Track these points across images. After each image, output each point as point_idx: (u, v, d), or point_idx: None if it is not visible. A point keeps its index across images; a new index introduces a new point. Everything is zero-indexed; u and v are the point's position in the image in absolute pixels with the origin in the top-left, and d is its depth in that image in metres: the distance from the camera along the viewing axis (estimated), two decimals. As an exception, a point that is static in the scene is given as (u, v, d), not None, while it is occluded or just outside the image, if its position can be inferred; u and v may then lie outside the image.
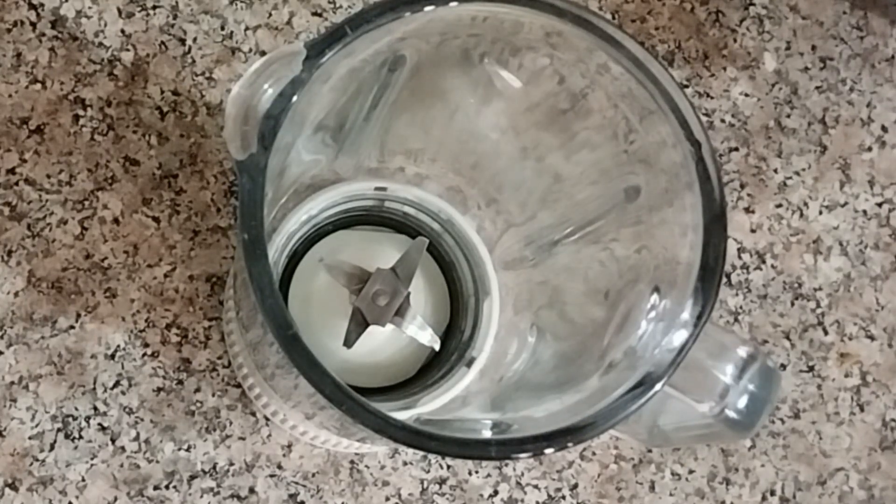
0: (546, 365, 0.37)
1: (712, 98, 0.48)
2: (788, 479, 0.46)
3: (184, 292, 0.43)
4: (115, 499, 0.42)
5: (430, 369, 0.42)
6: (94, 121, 0.44)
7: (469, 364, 0.40)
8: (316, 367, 0.29)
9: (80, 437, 0.42)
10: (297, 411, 0.39)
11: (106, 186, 0.43)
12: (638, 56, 0.32)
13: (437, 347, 0.40)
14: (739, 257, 0.47)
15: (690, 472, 0.45)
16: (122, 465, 0.42)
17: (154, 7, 0.45)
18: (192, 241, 0.43)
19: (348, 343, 0.38)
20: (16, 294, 0.42)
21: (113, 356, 0.43)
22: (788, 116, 0.48)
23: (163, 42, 0.45)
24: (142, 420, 0.42)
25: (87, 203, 0.43)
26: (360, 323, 0.38)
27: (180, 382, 0.43)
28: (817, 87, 0.49)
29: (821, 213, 0.48)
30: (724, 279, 0.46)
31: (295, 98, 0.30)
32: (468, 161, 0.39)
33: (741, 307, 0.47)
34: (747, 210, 0.47)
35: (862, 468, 0.46)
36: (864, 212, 0.48)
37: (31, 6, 0.44)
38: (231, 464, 0.43)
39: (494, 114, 0.37)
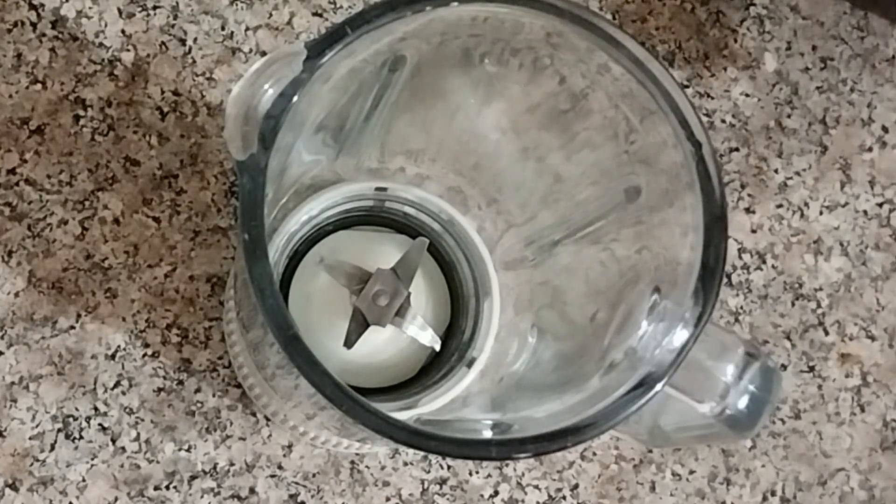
0: (547, 365, 0.37)
1: (713, 98, 0.48)
2: (789, 480, 0.46)
3: (184, 292, 0.43)
4: (116, 499, 0.42)
5: (431, 370, 0.41)
6: (95, 121, 0.44)
7: (469, 364, 0.40)
8: (316, 367, 0.29)
9: (81, 437, 0.42)
10: (298, 411, 0.39)
11: (106, 187, 0.43)
12: (638, 56, 0.32)
13: (437, 348, 0.40)
14: (740, 257, 0.47)
15: (691, 472, 0.45)
16: (122, 466, 0.42)
17: (154, 7, 0.45)
18: (193, 241, 0.43)
19: (349, 343, 0.38)
20: (16, 294, 0.42)
21: (113, 356, 0.43)
22: (789, 117, 0.48)
23: (163, 42, 0.45)
24: (142, 420, 0.42)
25: (87, 203, 0.43)
26: (360, 323, 0.38)
27: (181, 383, 0.43)
28: (818, 88, 0.49)
29: (821, 213, 0.48)
30: (725, 279, 0.46)
31: (295, 98, 0.30)
32: (469, 161, 0.39)
33: (742, 307, 0.47)
34: (748, 210, 0.47)
35: (862, 468, 0.46)
36: (865, 212, 0.48)
37: (32, 6, 0.44)
38: (231, 464, 0.43)
39: (495, 114, 0.37)
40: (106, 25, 0.44)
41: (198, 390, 0.43)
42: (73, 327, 0.42)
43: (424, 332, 0.39)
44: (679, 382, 0.31)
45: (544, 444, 0.30)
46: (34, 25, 0.44)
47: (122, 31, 0.44)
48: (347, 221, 0.42)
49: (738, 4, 0.49)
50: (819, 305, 0.47)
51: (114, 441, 0.42)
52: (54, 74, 0.44)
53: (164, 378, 0.43)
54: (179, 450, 0.42)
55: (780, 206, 0.48)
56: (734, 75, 0.48)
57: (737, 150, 0.48)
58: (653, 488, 0.45)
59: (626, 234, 0.35)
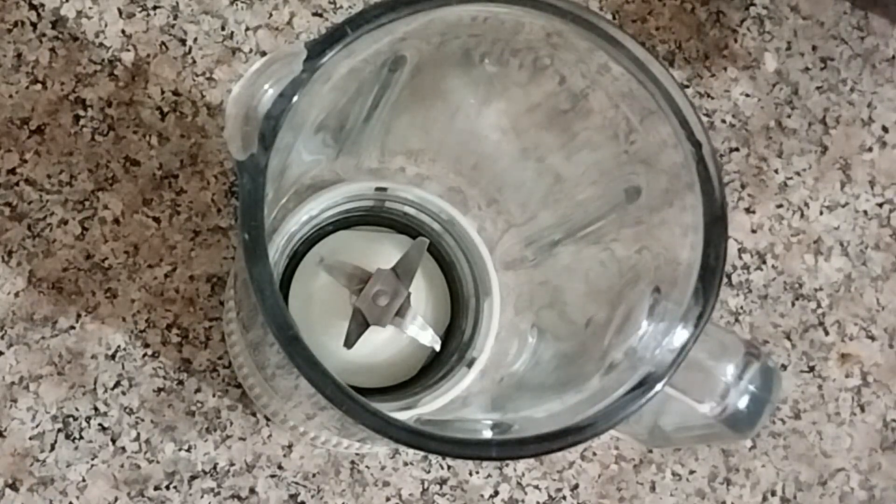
0: (547, 365, 0.37)
1: (713, 98, 0.48)
2: (789, 480, 0.46)
3: (184, 292, 0.43)
4: (116, 499, 0.42)
5: (431, 370, 0.41)
6: (95, 121, 0.44)
7: (469, 364, 0.40)
8: (316, 367, 0.29)
9: (81, 437, 0.42)
10: (298, 411, 0.39)
11: (106, 187, 0.43)
12: (639, 56, 0.32)
13: (437, 348, 0.40)
14: (740, 257, 0.47)
15: (691, 472, 0.45)
16: (122, 466, 0.42)
17: (155, 7, 0.45)
18: (193, 241, 0.43)
19: (349, 343, 0.38)
20: (16, 294, 0.42)
21: (113, 356, 0.43)
22: (789, 117, 0.48)
23: (163, 42, 0.45)
24: (142, 420, 0.42)
25: (87, 203, 0.43)
26: (360, 323, 0.38)
27: (181, 383, 0.43)
28: (818, 88, 0.49)
29: (821, 213, 0.48)
30: (725, 279, 0.46)
31: (295, 98, 0.30)
32: (469, 161, 0.39)
33: (742, 307, 0.47)
34: (748, 210, 0.47)
35: (863, 468, 0.46)
36: (865, 212, 0.48)
37: (32, 6, 0.44)
38: (231, 464, 0.43)
39: (495, 114, 0.37)
40: (106, 25, 0.44)
41: (198, 390, 0.43)
42: (73, 327, 0.42)
43: (424, 332, 0.39)
44: (679, 382, 0.31)
45: (544, 444, 0.30)
46: (34, 25, 0.44)
47: (122, 31, 0.44)
48: (347, 221, 0.42)
49: (738, 4, 0.49)
50: (819, 305, 0.47)
51: (114, 441, 0.42)
52: (54, 74, 0.44)
53: (164, 378, 0.43)
54: (179, 450, 0.42)
55: (780, 206, 0.48)
56: (734, 75, 0.48)
57: (737, 150, 0.48)
58: (653, 488, 0.45)
59: (626, 234, 0.35)
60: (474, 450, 0.31)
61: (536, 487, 0.44)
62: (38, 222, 0.43)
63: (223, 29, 0.45)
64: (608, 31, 0.32)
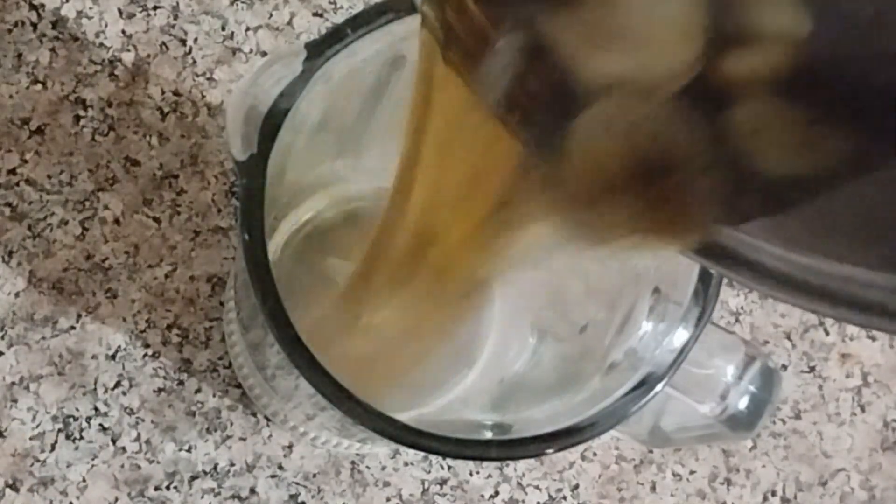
0: (547, 365, 0.37)
1: (713, 98, 0.48)
2: (789, 480, 0.46)
3: (184, 293, 0.43)
4: (116, 499, 0.42)
5: (431, 370, 0.41)
6: (95, 121, 0.44)
7: (470, 364, 0.40)
8: (316, 367, 0.29)
9: (81, 437, 0.42)
10: (298, 412, 0.39)
11: (107, 187, 0.43)
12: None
13: (437, 348, 0.40)
14: (740, 258, 0.47)
15: (691, 472, 0.45)
16: (122, 466, 0.42)
17: (155, 8, 0.45)
18: (193, 241, 0.43)
19: (349, 343, 0.38)
20: (16, 294, 0.42)
21: (114, 357, 0.42)
22: (789, 117, 0.48)
23: (163, 43, 0.45)
24: (143, 420, 0.42)
25: (87, 203, 0.43)
26: (360, 323, 0.38)
27: (181, 383, 0.43)
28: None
29: (822, 213, 0.48)
30: (725, 279, 0.46)
31: (295, 99, 0.30)
32: (469, 161, 0.39)
33: (742, 307, 0.47)
34: (748, 210, 0.47)
35: (863, 469, 0.46)
36: (865, 212, 0.48)
37: (32, 7, 0.44)
38: (232, 464, 0.43)
39: (495, 114, 0.37)
40: (106, 26, 0.44)
41: (198, 390, 0.43)
42: (73, 327, 0.42)
43: (425, 332, 0.39)
44: (679, 383, 0.31)
45: (544, 444, 0.30)
46: (34, 26, 0.44)
47: (123, 32, 0.44)
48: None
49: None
50: (819, 305, 0.47)
51: (114, 441, 0.42)
52: (55, 75, 0.44)
53: (165, 378, 0.43)
54: (180, 450, 0.42)
55: (780, 206, 0.47)
56: (734, 75, 0.48)
57: (737, 150, 0.48)
58: (653, 488, 0.45)
59: (627, 234, 0.35)
60: (474, 450, 0.31)
61: (537, 487, 0.44)
62: (38, 222, 0.43)
63: (223, 29, 0.45)
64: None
